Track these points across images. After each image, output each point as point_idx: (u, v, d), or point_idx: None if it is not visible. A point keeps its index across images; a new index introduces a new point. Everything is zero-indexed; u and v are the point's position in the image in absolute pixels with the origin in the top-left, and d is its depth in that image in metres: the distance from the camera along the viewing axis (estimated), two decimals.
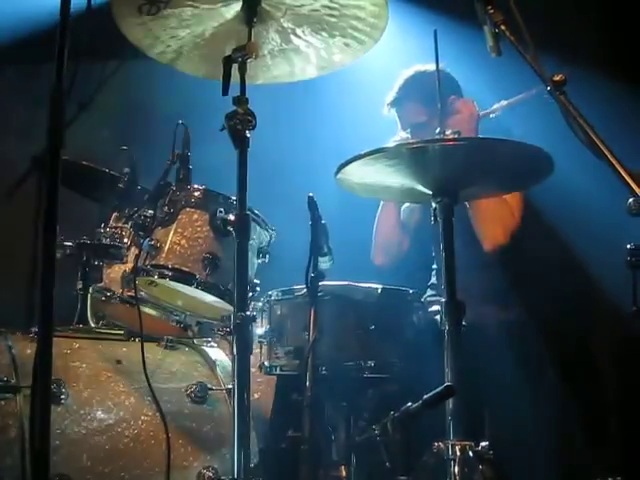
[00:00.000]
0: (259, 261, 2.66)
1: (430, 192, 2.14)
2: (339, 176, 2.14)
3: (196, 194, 2.56)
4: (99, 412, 2.34)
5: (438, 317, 2.12)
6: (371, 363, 2.41)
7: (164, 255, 2.50)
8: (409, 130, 3.19)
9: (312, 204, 2.37)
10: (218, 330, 2.77)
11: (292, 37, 2.36)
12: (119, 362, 2.51)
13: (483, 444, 2.00)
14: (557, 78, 1.84)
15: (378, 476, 2.13)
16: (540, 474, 2.73)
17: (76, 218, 2.48)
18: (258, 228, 2.61)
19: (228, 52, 2.16)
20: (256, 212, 2.56)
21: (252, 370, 2.31)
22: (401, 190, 2.24)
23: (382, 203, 3.34)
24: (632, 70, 3.36)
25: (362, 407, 2.50)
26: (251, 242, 2.37)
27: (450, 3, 3.41)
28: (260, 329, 2.58)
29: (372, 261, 3.35)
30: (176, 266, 2.49)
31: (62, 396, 2.28)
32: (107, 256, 2.65)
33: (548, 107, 1.89)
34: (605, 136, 1.79)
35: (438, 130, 2.29)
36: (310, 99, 3.66)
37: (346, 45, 2.36)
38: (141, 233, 2.51)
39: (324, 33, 2.33)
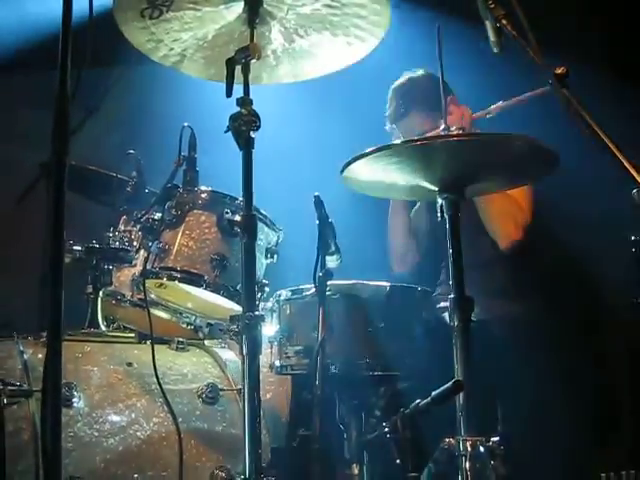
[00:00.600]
0: (268, 261, 2.67)
1: (436, 188, 2.14)
2: (345, 174, 2.14)
3: (203, 196, 2.58)
4: (111, 414, 2.35)
5: (446, 314, 2.12)
6: (381, 361, 2.41)
7: (172, 257, 2.51)
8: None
9: (318, 203, 2.37)
10: (228, 331, 2.78)
11: (295, 37, 2.36)
12: (130, 365, 2.53)
13: (494, 439, 1.99)
14: (559, 71, 1.84)
15: (390, 474, 2.13)
16: (552, 468, 2.72)
17: (85, 222, 2.50)
18: (265, 228, 2.62)
19: (231, 54, 2.16)
20: (263, 212, 2.57)
21: (264, 370, 2.32)
22: (407, 187, 2.24)
23: (390, 211, 3.35)
24: (632, 70, 3.35)
25: (373, 405, 2.50)
26: (259, 242, 2.39)
27: (450, 2, 3.40)
28: (270, 329, 2.59)
29: (391, 270, 3.39)
30: (185, 268, 2.50)
31: (74, 399, 2.30)
32: (116, 259, 2.67)
33: (549, 104, 1.89)
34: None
35: (443, 127, 2.29)
36: (316, 98, 3.66)
37: (349, 44, 2.36)
38: (149, 236, 2.52)
39: (327, 32, 2.34)
